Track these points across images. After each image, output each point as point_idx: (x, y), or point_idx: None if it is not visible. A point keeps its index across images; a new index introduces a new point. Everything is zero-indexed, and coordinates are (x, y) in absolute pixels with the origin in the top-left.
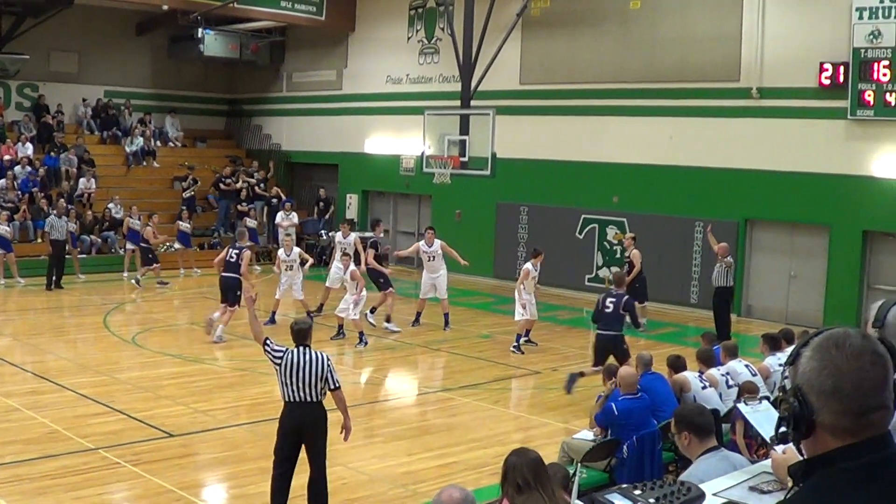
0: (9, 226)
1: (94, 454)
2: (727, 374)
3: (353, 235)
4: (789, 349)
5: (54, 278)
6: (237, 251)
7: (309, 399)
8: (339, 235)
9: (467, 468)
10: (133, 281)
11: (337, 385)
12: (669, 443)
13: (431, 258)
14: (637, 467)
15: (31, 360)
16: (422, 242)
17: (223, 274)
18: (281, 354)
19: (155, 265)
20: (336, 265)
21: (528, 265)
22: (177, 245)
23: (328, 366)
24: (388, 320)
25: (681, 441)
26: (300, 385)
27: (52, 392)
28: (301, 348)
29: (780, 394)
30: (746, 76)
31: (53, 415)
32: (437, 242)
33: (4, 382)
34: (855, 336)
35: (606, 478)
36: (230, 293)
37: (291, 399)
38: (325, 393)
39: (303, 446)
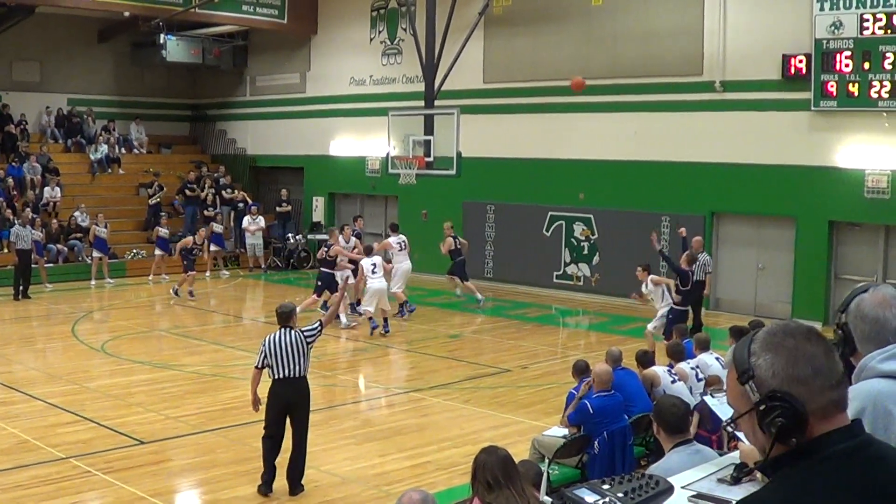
0: None
1: (65, 463)
2: (697, 367)
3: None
4: None
5: (21, 288)
6: (326, 248)
7: (293, 375)
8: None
9: (439, 468)
10: (172, 292)
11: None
12: (640, 437)
13: (403, 247)
14: (608, 463)
15: None
16: (391, 239)
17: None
18: (263, 347)
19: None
20: None
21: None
22: (157, 251)
23: (306, 339)
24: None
25: (656, 433)
26: (285, 362)
27: (22, 402)
28: (284, 329)
29: (760, 408)
30: (709, 70)
31: (23, 425)
32: (401, 236)
33: None
34: (788, 322)
35: (578, 474)
36: (325, 285)
37: (278, 376)
38: (308, 369)
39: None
